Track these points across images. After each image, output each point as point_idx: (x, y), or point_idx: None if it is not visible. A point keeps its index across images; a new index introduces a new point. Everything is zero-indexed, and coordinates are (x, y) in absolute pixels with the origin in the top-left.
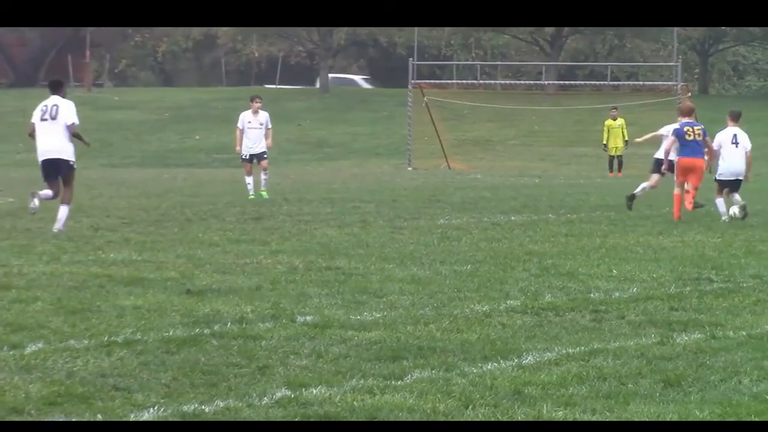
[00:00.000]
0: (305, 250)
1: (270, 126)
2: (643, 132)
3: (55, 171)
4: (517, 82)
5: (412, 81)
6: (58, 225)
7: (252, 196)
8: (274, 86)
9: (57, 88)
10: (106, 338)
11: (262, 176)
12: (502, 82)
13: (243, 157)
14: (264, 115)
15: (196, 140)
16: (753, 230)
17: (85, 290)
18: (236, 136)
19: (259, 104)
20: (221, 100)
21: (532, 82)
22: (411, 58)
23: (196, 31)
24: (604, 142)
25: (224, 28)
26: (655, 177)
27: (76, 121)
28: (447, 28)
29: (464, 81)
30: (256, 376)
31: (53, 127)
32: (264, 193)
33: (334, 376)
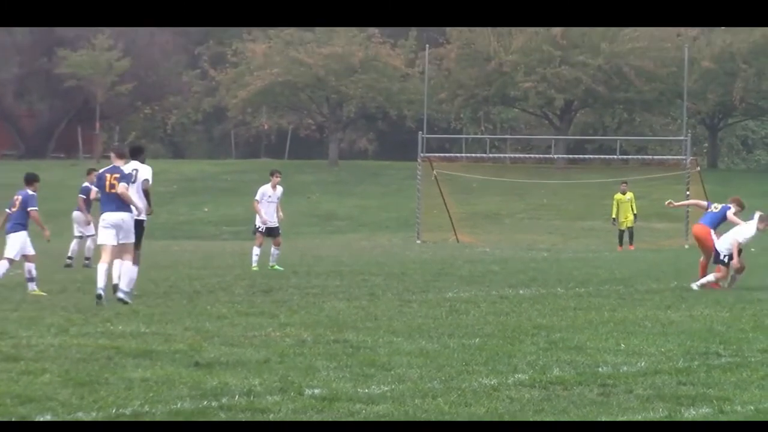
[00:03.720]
0: (314, 323)
1: (280, 198)
2: (652, 206)
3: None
4: (527, 155)
5: (422, 154)
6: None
7: (256, 268)
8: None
9: (137, 153)
10: (114, 411)
11: (275, 251)
12: (512, 155)
13: (259, 229)
14: (280, 190)
15: (204, 212)
16: (761, 305)
17: (93, 362)
18: (257, 209)
19: (278, 179)
20: (230, 173)
21: (541, 155)
22: (420, 132)
23: (206, 104)
24: (613, 216)
25: (234, 100)
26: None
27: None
28: (456, 102)
29: (473, 154)
30: None
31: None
32: (277, 267)
33: None
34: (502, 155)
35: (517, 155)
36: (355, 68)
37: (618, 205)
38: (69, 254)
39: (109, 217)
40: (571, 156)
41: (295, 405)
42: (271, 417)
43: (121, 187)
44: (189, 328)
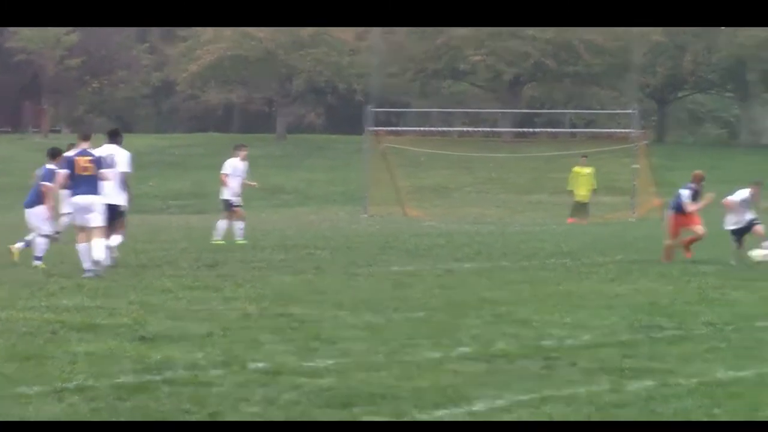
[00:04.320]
0: (258, 297)
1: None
2: (600, 179)
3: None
4: (474, 129)
5: (369, 128)
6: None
7: (243, 241)
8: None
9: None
10: (58, 384)
11: (240, 225)
12: (459, 129)
13: (235, 204)
14: (246, 164)
15: (150, 186)
16: (706, 277)
17: (38, 336)
18: (223, 181)
19: (246, 152)
20: (178, 147)
21: (489, 129)
22: (368, 105)
23: (155, 78)
24: (570, 188)
25: (183, 74)
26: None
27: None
28: (406, 76)
29: (421, 128)
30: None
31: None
32: (243, 241)
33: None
34: (449, 129)
35: (465, 129)
36: (305, 42)
37: (577, 177)
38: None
39: (80, 200)
40: (519, 129)
41: (238, 379)
42: (215, 390)
43: (103, 173)
44: (133, 302)
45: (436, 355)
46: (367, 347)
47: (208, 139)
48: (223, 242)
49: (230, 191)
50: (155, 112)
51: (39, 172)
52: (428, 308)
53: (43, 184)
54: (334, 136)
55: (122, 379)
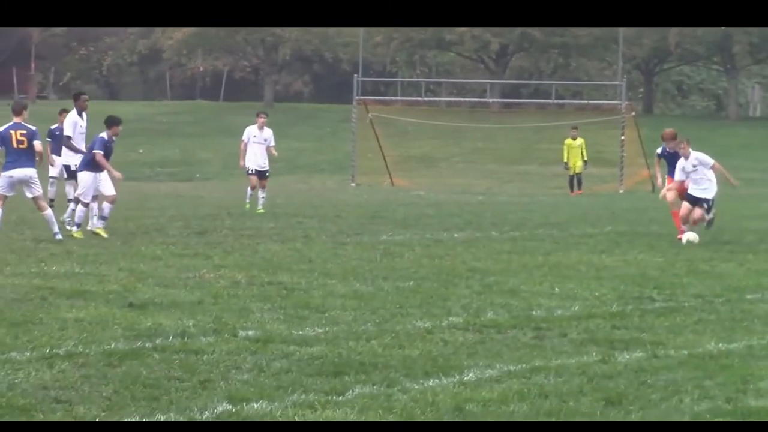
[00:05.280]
0: (248, 265)
1: (273, 143)
2: (590, 151)
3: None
4: (462, 99)
5: (357, 97)
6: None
7: (248, 206)
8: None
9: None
10: (48, 350)
11: (261, 194)
12: (447, 99)
13: (249, 171)
14: (268, 132)
15: (139, 154)
16: (695, 250)
17: (27, 302)
18: (241, 150)
19: (264, 120)
20: (165, 114)
21: (476, 99)
22: (356, 75)
23: (142, 45)
24: (564, 160)
25: (170, 42)
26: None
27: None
28: (392, 45)
29: (409, 98)
30: (197, 390)
31: None
32: (262, 210)
33: (275, 390)
34: (437, 99)
35: (452, 99)
36: None
37: (568, 150)
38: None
39: (16, 173)
40: (506, 100)
41: (229, 346)
42: (205, 358)
43: (37, 145)
44: (123, 269)
45: (426, 324)
46: (357, 316)
47: (195, 107)
48: (262, 210)
49: (246, 159)
50: (142, 79)
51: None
52: (417, 278)
53: None
54: (321, 105)
55: (113, 346)
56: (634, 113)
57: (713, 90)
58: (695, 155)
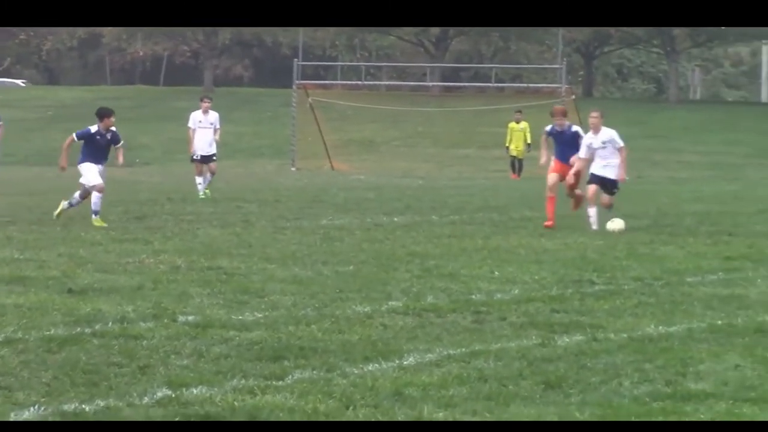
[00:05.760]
0: (187, 250)
1: (219, 126)
2: (531, 135)
3: None
4: (402, 83)
5: (297, 81)
6: None
7: (203, 196)
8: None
9: None
10: None
11: (208, 177)
12: (387, 83)
13: (194, 157)
14: (214, 116)
15: None
16: (635, 233)
17: None
18: (189, 136)
19: (208, 104)
20: (105, 99)
21: (416, 83)
22: (295, 59)
23: (81, 30)
24: (507, 144)
25: (109, 26)
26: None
27: None
28: (332, 29)
29: (349, 82)
30: (136, 375)
31: None
32: (208, 192)
33: (214, 376)
34: (377, 82)
35: (392, 83)
36: None
37: (511, 133)
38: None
39: None
40: (446, 84)
41: (168, 332)
42: (144, 344)
43: None
44: (63, 254)
45: (366, 308)
46: (296, 300)
47: (135, 92)
48: (203, 195)
49: (193, 145)
50: (81, 64)
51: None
52: (357, 262)
53: None
54: (261, 90)
55: (52, 332)
56: (574, 96)
57: (653, 73)
58: (607, 132)
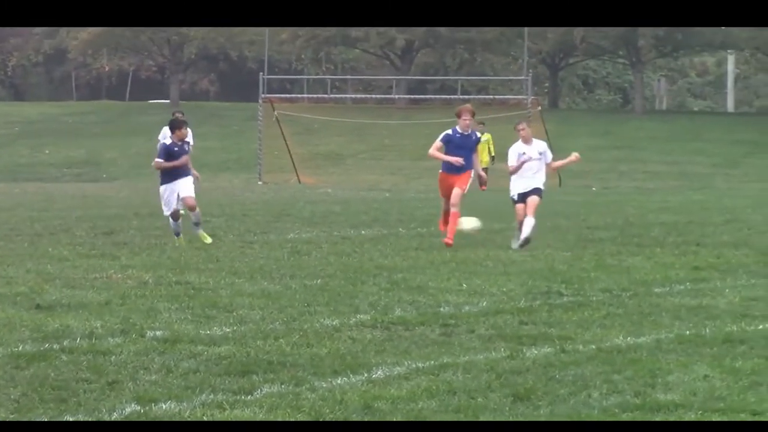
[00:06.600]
0: (155, 265)
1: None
2: (497, 147)
3: None
4: (368, 96)
5: (263, 95)
6: None
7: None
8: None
9: None
10: None
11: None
12: (353, 96)
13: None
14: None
15: (46, 154)
16: (602, 244)
17: None
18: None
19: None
20: (72, 115)
21: (382, 96)
22: (261, 73)
23: (47, 45)
24: None
25: (75, 42)
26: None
27: None
28: (298, 43)
29: (315, 95)
30: (105, 391)
31: None
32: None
33: (183, 391)
34: (343, 96)
35: (358, 96)
36: None
37: None
38: None
39: None
40: (412, 96)
41: (136, 347)
42: (113, 359)
43: None
44: (30, 270)
45: (334, 322)
46: (264, 315)
47: (101, 107)
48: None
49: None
50: (47, 80)
51: None
52: (325, 275)
53: None
54: (227, 104)
55: (20, 348)
56: (540, 108)
57: (619, 84)
58: (541, 143)
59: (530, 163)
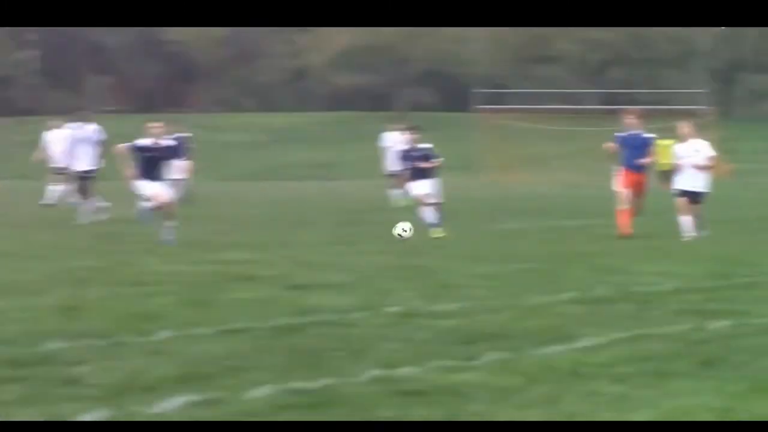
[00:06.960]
0: (389, 251)
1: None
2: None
3: None
4: (566, 107)
5: (477, 106)
6: None
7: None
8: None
9: None
10: (223, 327)
11: None
12: (554, 107)
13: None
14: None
15: (292, 157)
16: None
17: (205, 286)
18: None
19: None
20: (315, 125)
21: (579, 107)
22: (475, 87)
23: (292, 64)
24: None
25: (317, 62)
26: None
27: None
28: (507, 62)
29: (521, 106)
30: (352, 358)
31: None
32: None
33: (419, 357)
34: (545, 107)
35: (558, 106)
36: (422, 32)
37: (659, 149)
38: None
39: None
40: (605, 107)
41: (378, 321)
42: (358, 331)
43: None
44: (285, 256)
45: (544, 299)
46: (485, 293)
47: (338, 118)
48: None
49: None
50: (293, 93)
51: None
52: (535, 260)
53: None
54: (446, 114)
55: (279, 322)
56: (715, 118)
57: None
58: (699, 142)
59: (687, 159)
